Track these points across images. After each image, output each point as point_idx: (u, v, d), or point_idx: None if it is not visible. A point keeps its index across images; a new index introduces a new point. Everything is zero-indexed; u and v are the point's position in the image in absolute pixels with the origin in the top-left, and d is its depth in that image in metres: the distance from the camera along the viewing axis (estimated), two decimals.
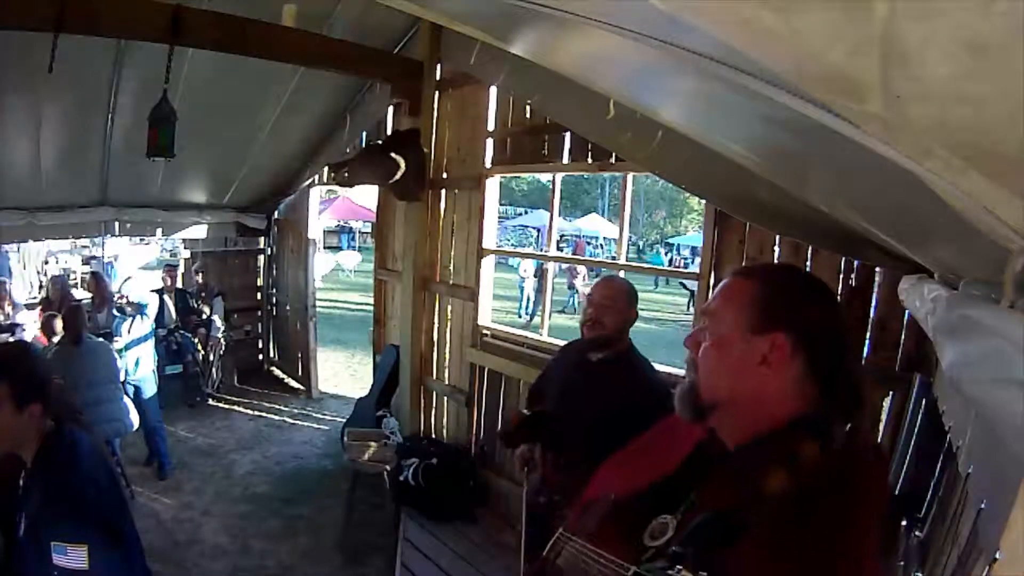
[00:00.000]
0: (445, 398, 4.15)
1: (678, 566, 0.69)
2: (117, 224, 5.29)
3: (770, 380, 0.79)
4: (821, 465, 0.72)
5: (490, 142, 3.69)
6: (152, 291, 6.05)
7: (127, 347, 4.28)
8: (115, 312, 4.71)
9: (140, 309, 4.42)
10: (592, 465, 1.10)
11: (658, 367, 2.16)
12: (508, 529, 2.35)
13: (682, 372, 0.91)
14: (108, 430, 3.69)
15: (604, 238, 20.83)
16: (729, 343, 0.82)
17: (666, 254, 19.94)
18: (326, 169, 5.05)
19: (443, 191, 4.07)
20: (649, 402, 1.81)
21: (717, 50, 0.50)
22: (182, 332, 5.72)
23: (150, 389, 4.41)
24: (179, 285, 6.18)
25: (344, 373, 7.22)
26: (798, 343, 0.78)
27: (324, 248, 16.21)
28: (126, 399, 3.94)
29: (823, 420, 0.77)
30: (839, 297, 2.20)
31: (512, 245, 19.62)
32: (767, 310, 0.80)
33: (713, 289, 2.47)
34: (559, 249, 13.18)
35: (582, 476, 1.11)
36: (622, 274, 3.27)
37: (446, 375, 4.14)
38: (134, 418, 3.91)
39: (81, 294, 6.64)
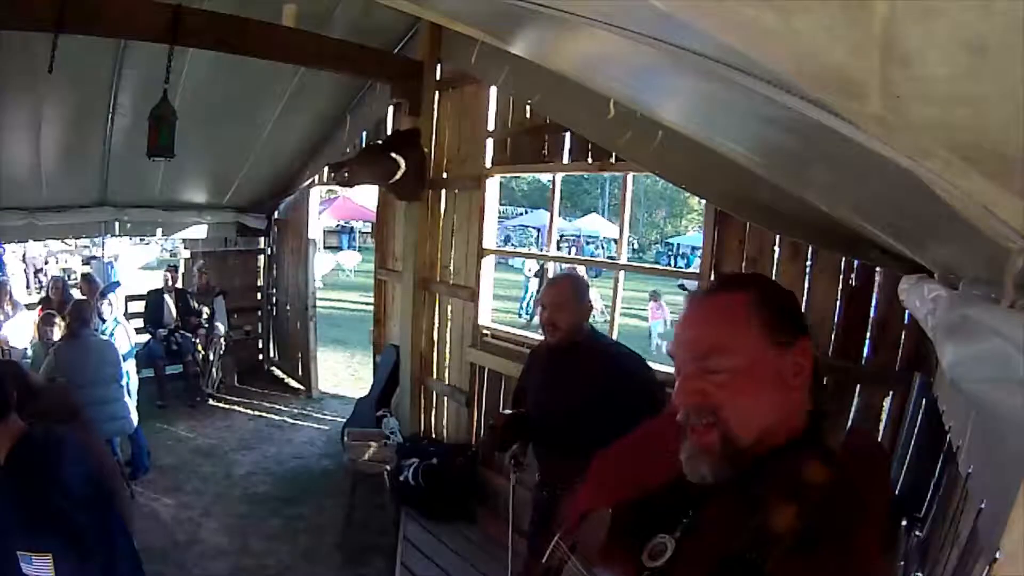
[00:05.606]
0: (445, 398, 4.15)
1: None
2: (117, 224, 5.30)
3: (798, 392, 0.73)
4: (828, 488, 0.68)
5: (490, 142, 3.68)
6: (153, 291, 6.07)
7: None
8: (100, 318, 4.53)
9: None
10: (584, 449, 1.10)
11: (654, 366, 2.17)
12: (507, 527, 2.36)
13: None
14: (111, 429, 3.68)
15: (604, 238, 20.83)
16: (759, 367, 0.72)
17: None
18: (326, 169, 5.04)
19: (443, 191, 4.07)
20: (621, 376, 1.94)
21: (717, 50, 0.50)
22: (182, 332, 5.72)
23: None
24: (179, 285, 6.18)
25: (344, 373, 7.22)
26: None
27: (324, 248, 16.21)
28: (127, 399, 3.93)
29: (820, 431, 0.75)
30: (839, 297, 2.21)
31: (513, 245, 19.62)
32: (784, 316, 0.73)
33: None
34: (559, 249, 13.17)
35: (576, 462, 1.12)
36: (622, 275, 3.28)
37: (446, 375, 4.14)
38: (135, 417, 3.90)
39: (77, 295, 6.63)
